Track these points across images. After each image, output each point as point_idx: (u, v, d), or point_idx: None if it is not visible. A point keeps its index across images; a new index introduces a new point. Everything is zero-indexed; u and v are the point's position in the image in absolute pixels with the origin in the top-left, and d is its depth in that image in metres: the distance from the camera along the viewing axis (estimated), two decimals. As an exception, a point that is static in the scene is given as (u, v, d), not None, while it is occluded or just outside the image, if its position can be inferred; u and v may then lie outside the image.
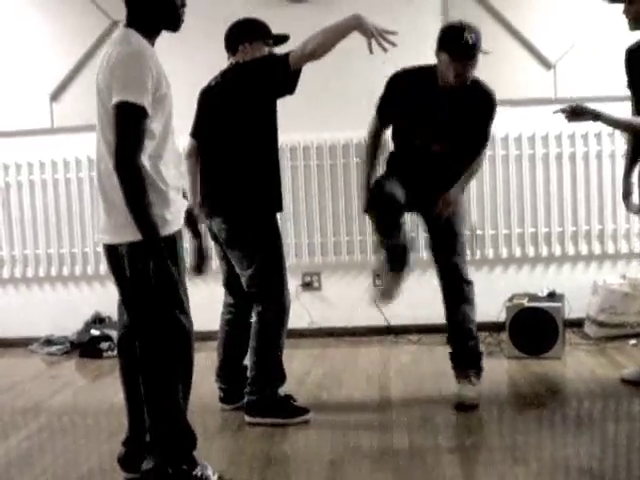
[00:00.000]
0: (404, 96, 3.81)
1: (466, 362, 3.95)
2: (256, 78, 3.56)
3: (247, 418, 3.72)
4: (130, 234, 2.68)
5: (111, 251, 2.84)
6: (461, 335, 3.94)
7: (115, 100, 2.60)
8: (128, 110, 2.59)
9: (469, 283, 3.93)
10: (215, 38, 5.33)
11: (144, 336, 2.79)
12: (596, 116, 3.83)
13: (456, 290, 3.92)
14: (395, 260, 3.83)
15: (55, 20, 5.55)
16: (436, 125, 3.78)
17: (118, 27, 2.83)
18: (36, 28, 5.58)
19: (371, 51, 3.35)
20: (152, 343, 2.78)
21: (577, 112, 3.81)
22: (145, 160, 2.66)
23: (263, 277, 3.68)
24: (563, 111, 3.81)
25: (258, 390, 3.70)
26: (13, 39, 5.61)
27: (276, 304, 3.70)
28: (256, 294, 3.72)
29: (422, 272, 4.76)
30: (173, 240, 2.79)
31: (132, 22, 2.74)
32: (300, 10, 5.19)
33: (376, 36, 3.32)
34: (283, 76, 3.48)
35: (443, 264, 3.94)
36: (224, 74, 3.76)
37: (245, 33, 3.77)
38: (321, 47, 3.40)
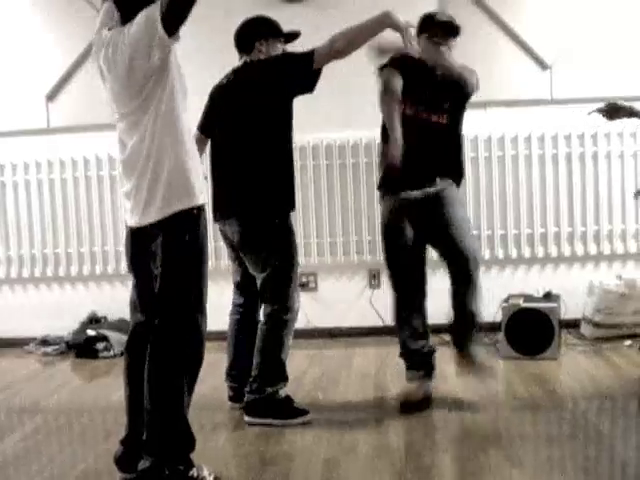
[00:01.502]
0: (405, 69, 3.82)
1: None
2: (279, 75, 3.56)
3: (246, 418, 3.72)
4: (161, 211, 2.75)
5: (139, 234, 2.87)
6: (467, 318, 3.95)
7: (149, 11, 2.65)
8: None
9: (478, 270, 3.86)
10: (210, 38, 5.36)
11: (161, 332, 2.79)
12: (631, 113, 3.86)
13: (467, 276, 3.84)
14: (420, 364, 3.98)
15: (51, 21, 5.55)
16: (427, 97, 3.82)
17: (111, 30, 2.85)
18: (32, 29, 5.58)
19: (406, 46, 3.36)
20: (168, 341, 2.79)
21: (614, 110, 3.84)
22: (186, 133, 2.79)
23: (277, 279, 3.69)
24: (600, 111, 3.87)
25: (258, 390, 3.70)
26: (9, 40, 5.61)
27: (286, 306, 3.70)
28: (268, 295, 3.72)
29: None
30: (204, 211, 2.87)
31: (126, 23, 2.76)
32: (295, 10, 5.18)
33: (407, 31, 3.33)
34: (306, 74, 3.48)
35: (455, 260, 3.86)
36: (237, 72, 3.75)
37: (261, 31, 3.73)
38: (350, 46, 3.41)
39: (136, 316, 2.98)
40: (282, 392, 3.77)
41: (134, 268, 2.95)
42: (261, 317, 3.79)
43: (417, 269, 3.97)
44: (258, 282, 3.74)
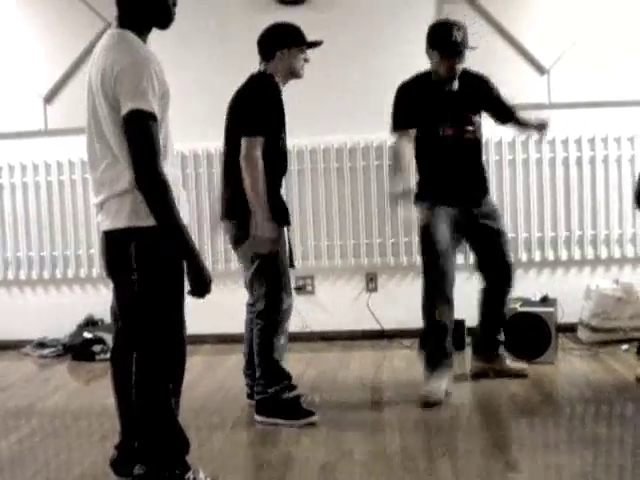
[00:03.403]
0: (415, 102, 4.04)
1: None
2: (240, 115, 3.66)
3: (256, 417, 3.75)
4: (130, 220, 2.69)
5: (112, 239, 2.81)
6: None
7: (127, 109, 2.56)
8: (142, 118, 2.57)
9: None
10: (208, 41, 5.38)
11: (141, 342, 2.77)
12: None
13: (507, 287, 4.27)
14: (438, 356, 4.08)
15: (49, 22, 5.55)
16: (452, 116, 4.06)
17: (109, 28, 2.82)
18: (30, 31, 5.57)
19: None
20: (149, 350, 2.76)
21: None
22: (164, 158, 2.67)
23: (261, 276, 3.71)
24: None
25: (263, 390, 3.74)
26: (6, 42, 5.61)
27: (272, 306, 3.71)
28: (255, 293, 3.76)
29: (416, 276, 4.77)
30: None
31: (123, 21, 2.74)
32: (291, 13, 5.18)
33: None
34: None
35: (498, 266, 4.22)
36: (248, 79, 3.76)
37: (282, 39, 3.73)
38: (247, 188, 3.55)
39: (117, 324, 2.96)
40: (291, 392, 3.79)
41: (111, 275, 2.93)
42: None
43: (452, 266, 4.11)
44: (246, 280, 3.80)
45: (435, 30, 4.01)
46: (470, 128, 4.10)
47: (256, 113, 3.61)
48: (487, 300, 4.29)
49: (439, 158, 4.10)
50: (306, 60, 3.78)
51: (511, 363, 4.40)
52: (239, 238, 3.75)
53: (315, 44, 3.81)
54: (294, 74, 3.77)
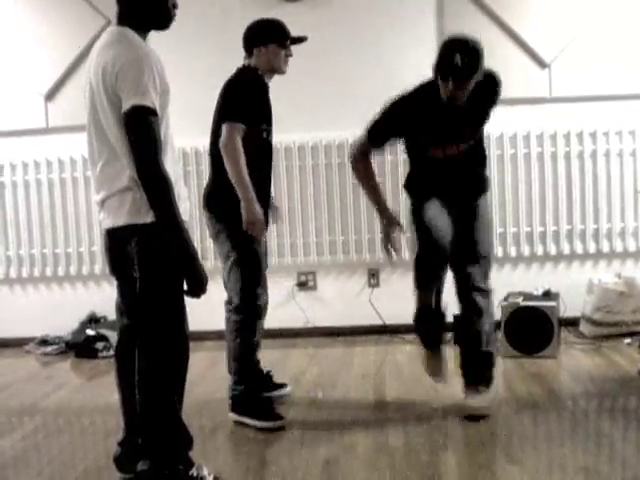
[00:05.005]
0: (412, 120, 3.65)
1: (474, 372, 3.82)
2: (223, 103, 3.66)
3: (229, 414, 3.74)
4: (131, 217, 2.70)
5: (114, 237, 2.83)
6: (471, 344, 3.80)
7: (129, 105, 2.57)
8: (143, 113, 2.57)
9: (484, 292, 3.75)
10: (208, 37, 5.37)
11: (146, 334, 2.78)
12: None
13: (467, 300, 3.75)
14: (429, 339, 3.83)
15: (50, 20, 5.54)
16: (452, 134, 3.70)
17: (109, 25, 2.83)
18: (30, 28, 5.57)
19: None
20: (153, 343, 2.77)
21: None
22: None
23: (237, 272, 3.69)
24: None
25: (233, 388, 3.74)
26: (7, 39, 5.60)
27: (247, 302, 3.70)
28: (230, 288, 3.75)
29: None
30: None
31: (123, 20, 2.74)
32: (294, 9, 5.19)
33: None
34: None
35: (457, 272, 3.75)
36: (236, 72, 3.75)
37: (261, 36, 3.72)
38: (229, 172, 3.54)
39: (122, 320, 2.97)
40: (267, 392, 3.82)
41: (115, 272, 2.94)
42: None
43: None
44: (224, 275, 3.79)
45: (440, 48, 3.50)
46: (458, 148, 3.70)
47: (237, 101, 3.59)
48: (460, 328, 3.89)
49: (427, 174, 3.80)
50: (288, 55, 3.76)
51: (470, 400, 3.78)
52: (217, 232, 3.74)
53: (298, 40, 3.78)
54: (275, 70, 3.75)
